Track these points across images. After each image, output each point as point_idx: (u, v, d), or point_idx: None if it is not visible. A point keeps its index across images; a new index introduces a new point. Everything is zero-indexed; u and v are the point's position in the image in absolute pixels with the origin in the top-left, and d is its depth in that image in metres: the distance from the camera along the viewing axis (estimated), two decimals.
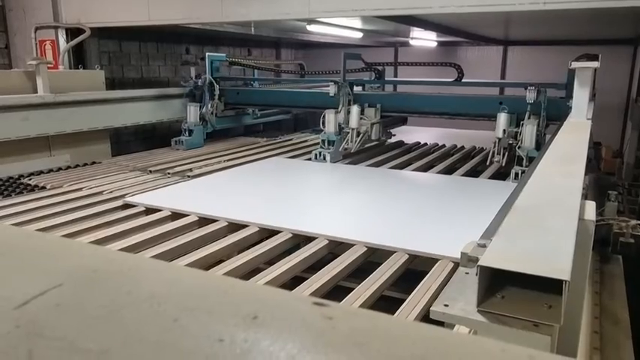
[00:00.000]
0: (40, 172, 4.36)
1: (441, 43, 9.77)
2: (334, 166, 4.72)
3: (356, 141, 4.89)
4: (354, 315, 0.28)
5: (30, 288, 0.29)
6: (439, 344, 0.27)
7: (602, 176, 4.96)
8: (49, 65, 4.77)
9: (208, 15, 4.97)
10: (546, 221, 1.08)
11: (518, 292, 0.92)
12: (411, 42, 9.30)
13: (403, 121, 6.29)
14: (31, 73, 4.60)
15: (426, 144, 6.09)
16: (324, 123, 4.86)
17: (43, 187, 3.89)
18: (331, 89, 4.92)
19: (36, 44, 5.48)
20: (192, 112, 5.73)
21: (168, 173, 4.34)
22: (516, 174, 3.96)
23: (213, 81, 5.90)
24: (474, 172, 4.63)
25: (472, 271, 1.06)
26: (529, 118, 4.17)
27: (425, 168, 4.78)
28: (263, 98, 6.15)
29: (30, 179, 4.09)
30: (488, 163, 4.44)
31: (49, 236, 0.38)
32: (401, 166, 4.78)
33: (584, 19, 5.40)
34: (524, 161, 4.02)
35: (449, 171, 4.67)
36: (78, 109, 4.82)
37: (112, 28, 5.61)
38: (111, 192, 3.70)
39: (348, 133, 4.88)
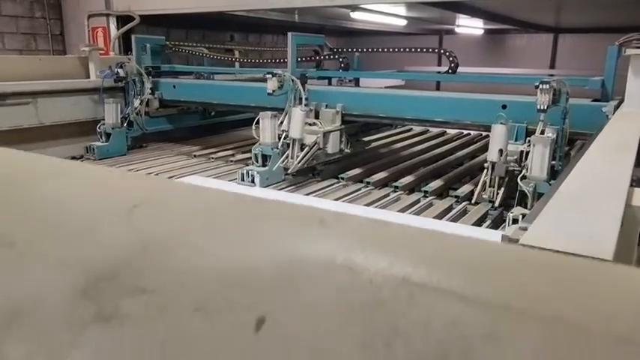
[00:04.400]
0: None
1: (488, 31, 9.53)
2: (262, 193, 3.40)
3: (298, 157, 3.49)
4: (403, 225, 0.30)
5: (125, 203, 0.33)
6: (485, 250, 0.27)
7: None
8: (100, 52, 4.94)
9: (253, 2, 5.03)
10: (591, 205, 1.06)
11: None
12: (457, 30, 9.11)
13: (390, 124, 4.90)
14: (84, 58, 4.78)
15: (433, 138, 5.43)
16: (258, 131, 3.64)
17: None
18: (269, 84, 3.56)
19: (88, 31, 5.68)
20: (111, 111, 4.43)
21: (212, 158, 4.44)
22: (515, 220, 2.40)
23: (142, 71, 4.60)
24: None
25: None
26: (542, 132, 2.75)
27: (390, 201, 3.41)
28: (204, 94, 4.64)
29: (82, 161, 4.27)
30: (475, 200, 3.05)
31: (116, 170, 0.43)
32: (361, 193, 3.52)
33: None
34: (530, 199, 2.67)
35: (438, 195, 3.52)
36: None
37: (159, 15, 5.75)
38: (157, 175, 3.83)
39: (290, 145, 3.55)
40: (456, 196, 3.39)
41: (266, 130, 3.60)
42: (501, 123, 2.88)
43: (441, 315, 0.21)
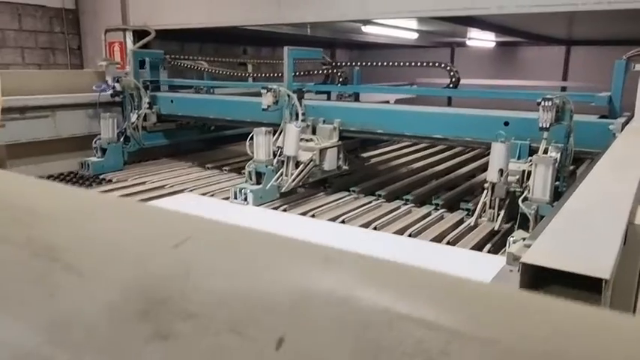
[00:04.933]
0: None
1: (499, 43, 9.58)
2: (254, 212, 3.30)
3: (292, 175, 3.40)
4: (393, 265, 0.35)
5: (169, 239, 0.38)
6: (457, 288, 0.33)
7: None
8: (117, 66, 5.06)
9: (266, 17, 5.12)
10: (592, 223, 1.10)
11: (561, 291, 0.94)
12: (468, 42, 9.16)
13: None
14: (101, 72, 4.90)
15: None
16: (252, 147, 3.51)
17: (110, 181, 4.15)
18: (264, 99, 3.48)
19: (105, 46, 5.81)
20: (107, 126, 4.38)
21: (225, 170, 4.51)
22: (515, 243, 2.18)
23: (140, 85, 4.55)
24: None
25: (516, 269, 1.10)
26: (545, 151, 2.61)
27: (386, 222, 3.21)
28: (201, 109, 4.58)
29: (76, 175, 4.36)
30: (473, 222, 2.97)
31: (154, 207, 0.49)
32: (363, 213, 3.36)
33: None
34: (531, 223, 2.50)
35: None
36: None
37: (174, 29, 5.87)
38: (172, 186, 3.91)
39: (285, 162, 3.46)
40: (467, 209, 3.42)
41: (260, 146, 3.48)
42: (501, 141, 2.72)
43: (411, 335, 0.26)
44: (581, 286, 0.90)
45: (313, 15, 4.85)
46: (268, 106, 3.49)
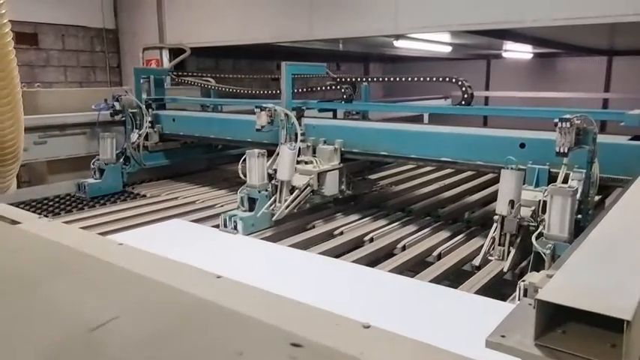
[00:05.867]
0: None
1: (537, 55, 9.37)
2: (242, 242, 2.92)
3: (286, 202, 3.09)
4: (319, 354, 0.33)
5: (94, 320, 0.37)
6: None
7: None
8: None
9: (297, 34, 5.17)
10: (617, 257, 1.04)
11: (580, 328, 0.89)
12: (505, 54, 9.00)
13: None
14: None
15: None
16: (244, 169, 3.19)
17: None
18: (258, 119, 3.17)
19: (143, 63, 5.99)
20: (107, 146, 4.17)
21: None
22: (526, 290, 1.56)
23: (141, 104, 4.34)
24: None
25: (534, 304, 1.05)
26: (564, 180, 2.22)
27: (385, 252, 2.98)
28: (203, 128, 4.31)
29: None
30: (479, 262, 2.48)
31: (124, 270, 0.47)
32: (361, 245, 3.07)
33: None
34: (547, 264, 2.06)
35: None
36: None
37: (209, 47, 6.01)
38: (203, 202, 3.96)
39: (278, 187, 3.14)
40: None
41: (253, 170, 3.15)
42: (511, 168, 2.36)
43: None
44: (602, 325, 0.85)
45: (344, 31, 4.88)
46: (262, 127, 3.19)
